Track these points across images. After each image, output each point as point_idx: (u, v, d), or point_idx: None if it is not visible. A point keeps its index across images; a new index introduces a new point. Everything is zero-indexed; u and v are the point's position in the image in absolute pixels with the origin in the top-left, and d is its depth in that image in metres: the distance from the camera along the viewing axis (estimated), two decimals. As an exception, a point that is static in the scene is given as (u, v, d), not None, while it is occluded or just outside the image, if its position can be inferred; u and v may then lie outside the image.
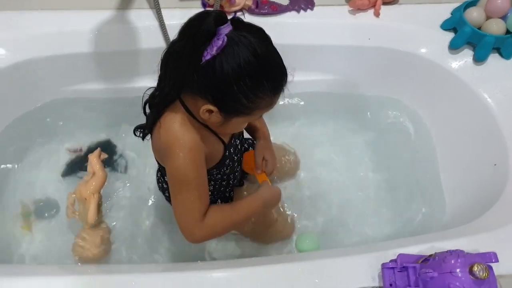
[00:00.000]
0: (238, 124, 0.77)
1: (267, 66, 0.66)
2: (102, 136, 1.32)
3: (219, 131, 0.80)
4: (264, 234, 1.12)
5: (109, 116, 1.33)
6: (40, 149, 1.27)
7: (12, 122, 1.22)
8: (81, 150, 1.28)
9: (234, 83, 0.64)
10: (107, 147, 1.30)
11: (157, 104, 0.77)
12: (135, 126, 0.86)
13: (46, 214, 1.17)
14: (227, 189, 1.03)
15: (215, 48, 0.62)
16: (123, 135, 1.31)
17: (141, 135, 0.85)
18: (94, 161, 1.04)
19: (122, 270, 0.94)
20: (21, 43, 1.12)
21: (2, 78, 1.11)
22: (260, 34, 0.67)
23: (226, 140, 0.85)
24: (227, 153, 0.86)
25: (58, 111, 1.29)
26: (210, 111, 0.69)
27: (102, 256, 1.06)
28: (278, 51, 0.69)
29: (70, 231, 1.12)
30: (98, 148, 1.09)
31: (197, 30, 0.63)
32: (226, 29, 0.63)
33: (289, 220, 1.17)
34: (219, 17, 0.63)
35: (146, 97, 0.79)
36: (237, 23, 0.67)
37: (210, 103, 0.68)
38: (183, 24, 0.66)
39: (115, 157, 1.28)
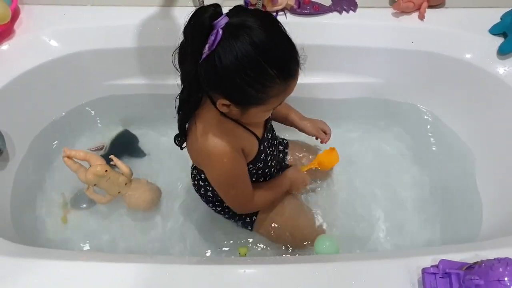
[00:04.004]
0: (260, 113, 0.75)
1: (269, 54, 0.63)
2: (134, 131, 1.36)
3: (246, 122, 0.80)
4: (285, 237, 1.07)
5: (148, 113, 1.37)
6: (85, 142, 1.33)
7: (63, 115, 1.28)
8: (102, 147, 1.32)
9: (236, 77, 0.63)
10: (126, 137, 1.34)
11: (184, 107, 0.77)
12: (170, 124, 0.85)
13: (83, 206, 1.20)
14: None
15: (210, 44, 0.62)
16: (158, 133, 1.34)
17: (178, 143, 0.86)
18: (77, 154, 1.05)
19: (150, 260, 0.94)
20: (72, 36, 1.17)
21: (54, 68, 1.17)
22: (261, 19, 0.64)
23: (259, 134, 0.86)
24: (261, 147, 0.87)
25: (102, 105, 1.33)
26: (226, 105, 0.70)
27: (158, 197, 1.17)
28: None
29: (106, 221, 1.17)
30: (63, 148, 1.07)
31: (194, 28, 0.63)
32: (221, 21, 0.62)
33: (318, 226, 1.10)
34: (215, 11, 0.63)
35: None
36: (238, 11, 0.65)
37: (223, 98, 0.68)
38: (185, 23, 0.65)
39: (136, 145, 1.33)
